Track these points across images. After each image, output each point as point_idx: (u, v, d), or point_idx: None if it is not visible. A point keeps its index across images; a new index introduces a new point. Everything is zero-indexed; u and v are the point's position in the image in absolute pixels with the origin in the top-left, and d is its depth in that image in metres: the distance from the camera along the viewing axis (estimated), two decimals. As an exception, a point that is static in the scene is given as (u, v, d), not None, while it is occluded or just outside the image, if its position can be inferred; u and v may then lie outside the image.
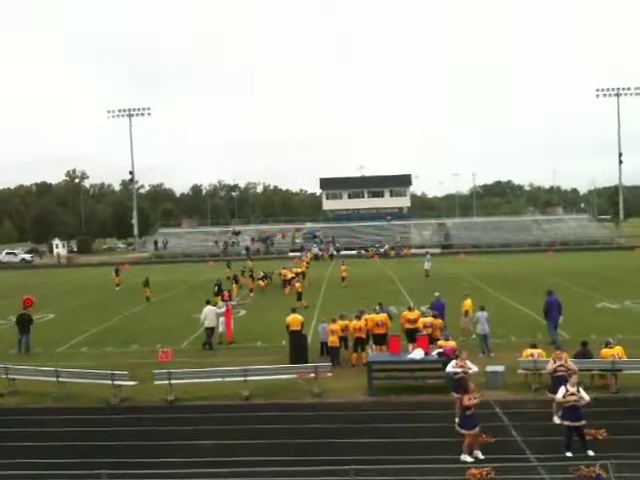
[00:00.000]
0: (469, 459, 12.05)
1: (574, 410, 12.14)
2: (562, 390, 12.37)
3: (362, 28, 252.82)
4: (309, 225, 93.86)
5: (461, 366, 14.22)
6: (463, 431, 12.23)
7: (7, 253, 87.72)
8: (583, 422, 12.16)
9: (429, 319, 19.98)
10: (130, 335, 26.16)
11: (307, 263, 50.64)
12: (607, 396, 15.57)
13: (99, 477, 9.85)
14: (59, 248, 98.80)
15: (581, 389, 12.39)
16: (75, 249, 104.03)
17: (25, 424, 15.40)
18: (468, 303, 22.63)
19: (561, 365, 14.19)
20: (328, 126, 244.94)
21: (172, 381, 16.56)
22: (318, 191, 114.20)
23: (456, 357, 14.75)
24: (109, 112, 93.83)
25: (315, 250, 73.87)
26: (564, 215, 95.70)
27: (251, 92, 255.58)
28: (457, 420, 13.36)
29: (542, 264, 54.56)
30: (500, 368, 17.00)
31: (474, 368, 14.52)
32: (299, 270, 42.30)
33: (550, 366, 14.49)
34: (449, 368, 14.51)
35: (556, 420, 13.59)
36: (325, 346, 20.22)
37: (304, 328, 21.20)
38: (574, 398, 12.17)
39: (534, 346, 17.25)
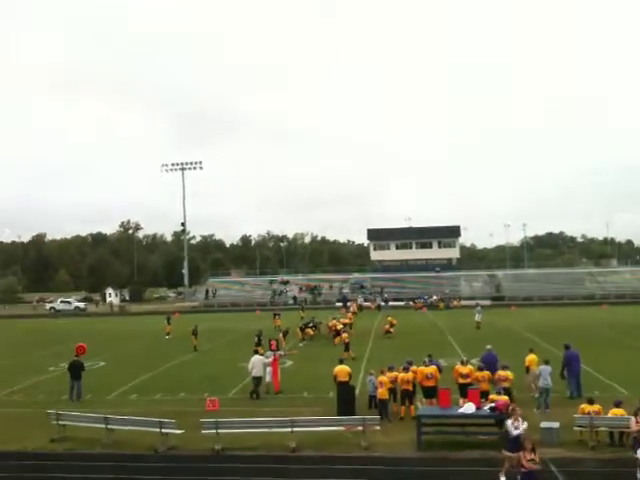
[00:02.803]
0: None
1: None
2: None
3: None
4: (356, 275, 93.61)
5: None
6: None
7: (62, 301, 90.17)
8: None
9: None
10: (178, 383, 26.31)
11: (354, 314, 50.30)
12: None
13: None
14: (112, 297, 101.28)
15: None
16: (127, 298, 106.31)
17: (74, 470, 15.53)
18: (531, 358, 21.82)
19: None
20: (373, 181, 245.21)
21: (219, 430, 16.52)
22: (366, 242, 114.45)
23: (510, 415, 14.24)
24: (163, 166, 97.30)
25: (360, 300, 73.32)
26: (619, 267, 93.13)
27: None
28: (502, 478, 13.02)
29: (596, 317, 52.91)
30: (555, 424, 16.41)
31: (524, 425, 13.85)
32: (347, 321, 42.06)
33: (634, 424, 13.81)
34: (509, 427, 13.89)
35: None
36: (374, 399, 19.91)
37: (352, 379, 20.98)
38: None
39: (591, 402, 16.64)
